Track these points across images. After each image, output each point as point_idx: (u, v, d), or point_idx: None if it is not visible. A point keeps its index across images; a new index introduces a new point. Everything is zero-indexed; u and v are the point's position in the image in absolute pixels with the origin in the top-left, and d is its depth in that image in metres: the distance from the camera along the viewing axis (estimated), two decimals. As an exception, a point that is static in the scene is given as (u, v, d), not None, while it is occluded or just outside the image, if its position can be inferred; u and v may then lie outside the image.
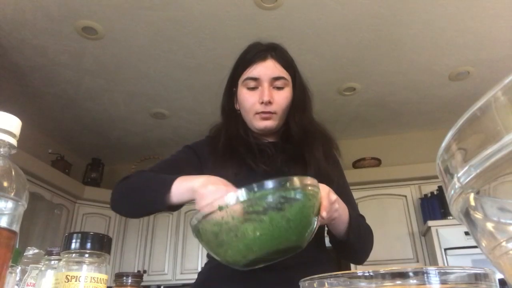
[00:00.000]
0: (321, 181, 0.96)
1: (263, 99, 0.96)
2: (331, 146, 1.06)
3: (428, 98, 3.21)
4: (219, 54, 2.64)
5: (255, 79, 0.98)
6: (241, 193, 0.54)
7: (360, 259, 0.96)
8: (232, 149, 1.00)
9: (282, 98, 0.99)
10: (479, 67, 2.81)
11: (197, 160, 1.03)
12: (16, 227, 0.41)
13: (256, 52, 1.02)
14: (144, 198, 0.87)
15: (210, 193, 0.70)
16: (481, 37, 2.52)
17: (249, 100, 0.99)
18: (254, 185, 0.54)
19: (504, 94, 0.20)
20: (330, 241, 0.94)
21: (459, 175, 0.23)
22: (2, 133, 0.41)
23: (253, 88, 0.99)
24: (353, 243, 0.87)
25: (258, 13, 2.32)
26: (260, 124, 0.98)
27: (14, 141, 0.42)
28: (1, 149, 0.41)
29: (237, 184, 0.94)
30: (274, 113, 0.98)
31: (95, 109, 3.31)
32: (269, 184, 0.55)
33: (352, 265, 3.18)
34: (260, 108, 0.97)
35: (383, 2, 2.25)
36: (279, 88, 0.99)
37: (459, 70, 2.84)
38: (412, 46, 2.61)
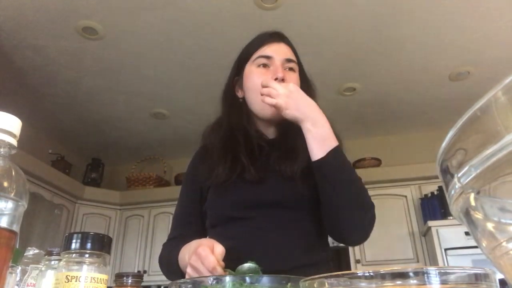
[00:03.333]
0: (311, 173, 0.95)
1: (278, 75, 0.93)
2: None
3: (428, 98, 3.21)
4: (219, 54, 2.64)
5: (268, 57, 0.97)
6: (229, 281, 0.47)
7: (352, 226, 0.85)
8: (230, 145, 0.96)
9: (294, 79, 0.97)
10: (479, 67, 2.81)
11: (198, 184, 1.01)
12: (16, 227, 0.41)
13: (270, 34, 1.02)
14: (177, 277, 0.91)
15: (196, 270, 0.71)
16: (481, 37, 2.52)
17: (260, 77, 0.94)
18: (246, 278, 0.47)
19: (504, 94, 0.20)
20: (322, 214, 0.89)
21: (459, 175, 0.23)
22: (2, 133, 0.41)
23: (264, 66, 0.97)
24: (335, 176, 0.81)
25: (258, 13, 2.32)
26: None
27: (14, 141, 0.42)
28: (1, 149, 0.41)
29: (220, 189, 0.93)
30: None
31: (95, 109, 3.32)
32: (264, 280, 0.47)
33: (352, 266, 3.18)
34: None
35: (383, 2, 2.25)
36: (291, 70, 0.99)
37: (459, 70, 2.84)
38: (412, 46, 2.61)
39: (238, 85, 1.04)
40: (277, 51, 0.98)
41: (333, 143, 0.84)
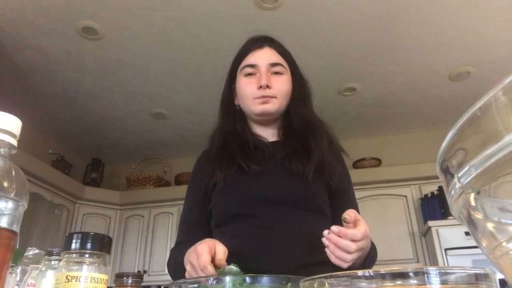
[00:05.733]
0: (323, 172, 0.95)
1: (261, 83, 0.95)
2: (334, 140, 1.05)
3: (428, 98, 3.21)
4: (219, 54, 2.64)
5: (252, 65, 0.99)
6: (229, 281, 0.47)
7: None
8: (225, 149, 0.99)
9: (281, 83, 0.98)
10: (479, 67, 2.81)
11: (202, 185, 1.02)
12: (16, 228, 0.41)
13: (253, 41, 1.03)
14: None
15: (193, 271, 0.72)
16: (481, 37, 2.52)
17: (247, 86, 0.98)
18: (246, 278, 0.46)
19: (504, 94, 0.20)
20: None
21: (459, 175, 0.23)
22: (2, 133, 0.41)
23: (251, 75, 0.99)
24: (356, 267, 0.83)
25: (258, 13, 2.32)
26: (258, 108, 0.97)
27: (14, 141, 0.42)
28: (1, 149, 0.41)
29: (225, 188, 0.95)
30: (273, 97, 0.97)
31: (95, 109, 3.31)
32: (264, 280, 0.46)
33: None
34: (258, 93, 0.96)
35: (383, 2, 2.25)
36: (278, 74, 0.99)
37: (459, 70, 2.84)
38: (412, 46, 2.61)
39: (235, 93, 1.06)
40: (261, 58, 0.99)
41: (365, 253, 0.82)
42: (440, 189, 3.08)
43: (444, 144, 0.25)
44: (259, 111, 0.97)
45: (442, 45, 2.59)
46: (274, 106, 0.97)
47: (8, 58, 2.67)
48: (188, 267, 0.74)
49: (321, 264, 0.87)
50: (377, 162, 3.55)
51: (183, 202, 1.08)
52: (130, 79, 2.94)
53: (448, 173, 0.25)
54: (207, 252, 0.69)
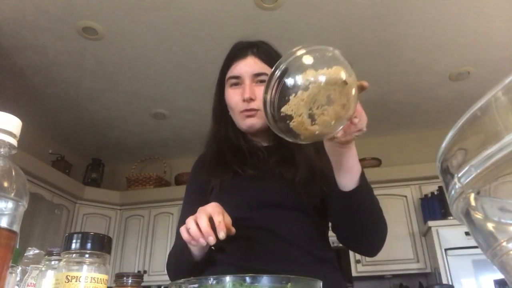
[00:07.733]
0: (314, 179, 0.94)
1: (244, 96, 0.95)
2: None
3: (428, 98, 3.21)
4: (219, 54, 2.62)
5: (236, 77, 0.99)
6: (229, 281, 0.46)
7: (373, 244, 0.87)
8: (219, 156, 1.00)
9: None
10: (479, 67, 2.81)
11: (203, 188, 1.02)
12: (16, 228, 0.41)
13: (237, 50, 1.03)
14: (182, 267, 0.94)
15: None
16: (481, 37, 2.52)
17: (233, 99, 0.98)
18: (246, 278, 0.46)
19: (504, 94, 0.20)
20: (338, 231, 0.89)
21: (459, 175, 0.23)
22: (2, 133, 0.41)
23: (236, 85, 0.99)
24: (364, 206, 0.81)
25: (258, 13, 2.32)
26: (245, 122, 0.97)
27: (14, 141, 0.42)
28: (1, 149, 0.41)
29: (222, 192, 0.95)
30: (258, 109, 0.96)
31: (95, 109, 3.32)
32: (264, 280, 0.46)
33: (352, 266, 3.18)
34: (243, 105, 0.96)
35: (383, 2, 2.25)
36: (263, 82, 0.97)
37: (459, 70, 2.84)
38: (412, 46, 2.61)
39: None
40: (243, 68, 0.98)
41: (359, 166, 0.83)
42: (440, 189, 3.08)
43: (444, 144, 0.25)
44: (246, 125, 0.97)
45: (442, 45, 2.59)
46: (259, 120, 0.96)
47: (8, 58, 2.67)
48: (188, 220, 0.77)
49: (320, 263, 0.87)
50: (377, 162, 3.55)
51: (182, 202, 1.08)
52: (130, 79, 2.94)
53: (448, 173, 0.25)
54: (220, 212, 0.75)
